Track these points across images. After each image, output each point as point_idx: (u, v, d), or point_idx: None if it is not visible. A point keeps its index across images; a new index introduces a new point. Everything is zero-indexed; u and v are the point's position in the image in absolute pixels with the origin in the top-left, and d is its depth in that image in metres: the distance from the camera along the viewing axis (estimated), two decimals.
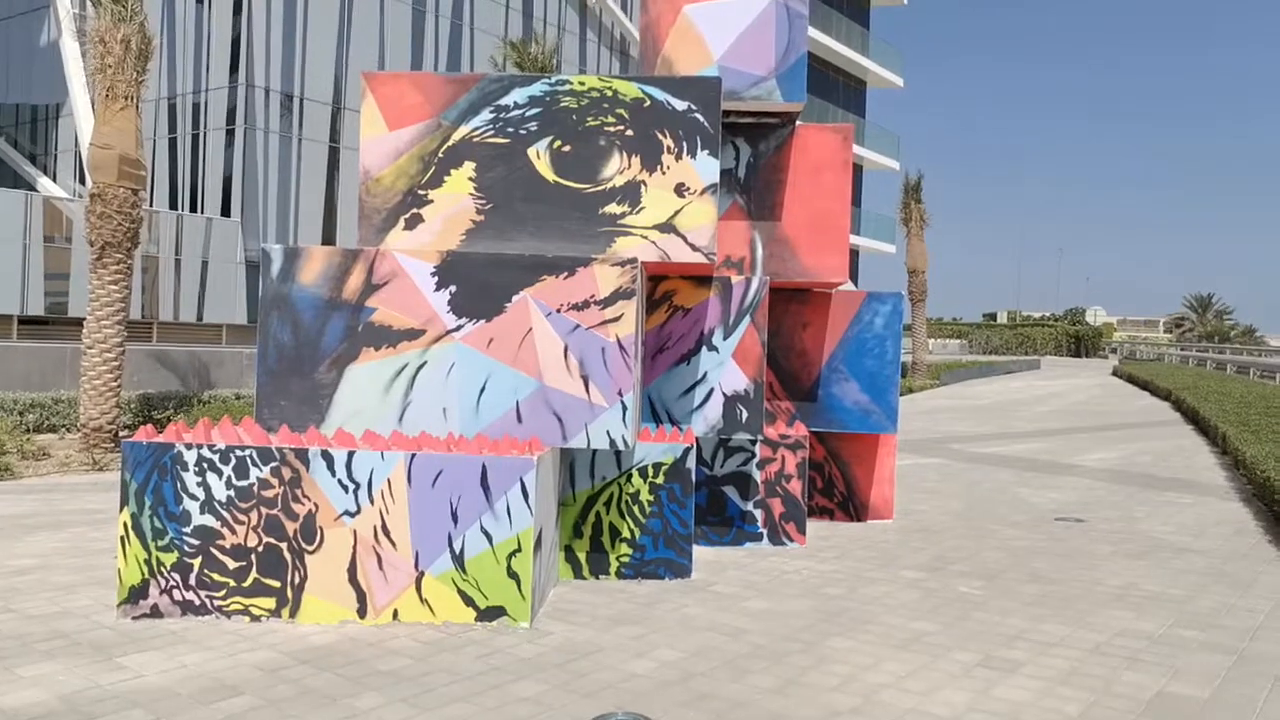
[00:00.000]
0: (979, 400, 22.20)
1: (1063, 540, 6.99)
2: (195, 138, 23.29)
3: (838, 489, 7.59)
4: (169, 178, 23.66)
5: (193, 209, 22.93)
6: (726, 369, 6.27)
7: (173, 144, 23.70)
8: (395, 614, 4.68)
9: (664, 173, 5.74)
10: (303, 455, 4.74)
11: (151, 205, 22.20)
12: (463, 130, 5.80)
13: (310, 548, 4.72)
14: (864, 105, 46.19)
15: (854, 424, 7.29)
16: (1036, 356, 51.27)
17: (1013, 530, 7.31)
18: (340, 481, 4.72)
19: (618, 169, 5.75)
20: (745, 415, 6.26)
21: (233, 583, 4.71)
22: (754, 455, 6.62)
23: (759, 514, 6.62)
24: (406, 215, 5.80)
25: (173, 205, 23.26)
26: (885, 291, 7.36)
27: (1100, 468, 11.02)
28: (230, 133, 22.63)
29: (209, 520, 4.74)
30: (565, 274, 5.26)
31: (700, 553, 6.19)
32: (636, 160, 5.75)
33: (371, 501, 4.72)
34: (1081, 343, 64.48)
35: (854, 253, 42.97)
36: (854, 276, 41.77)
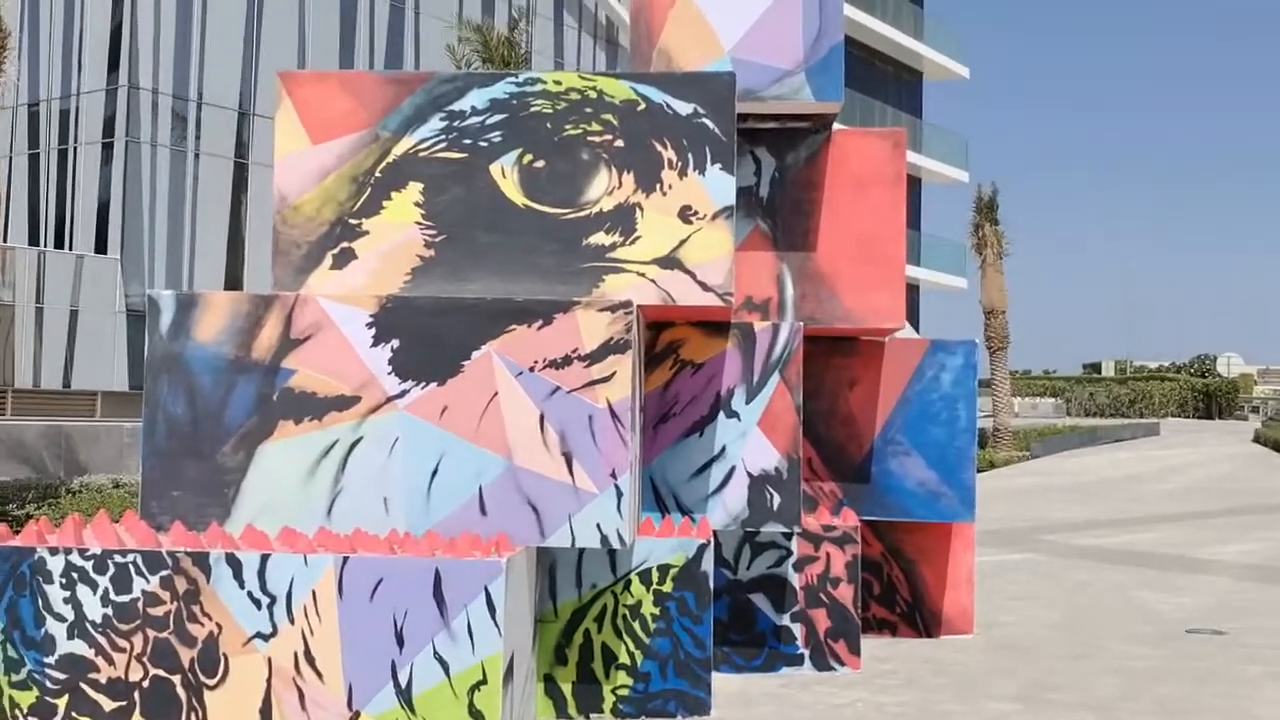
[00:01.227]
0: (1081, 476, 22.17)
1: (1197, 659, 6.96)
2: (63, 153, 23.61)
3: (900, 596, 7.57)
4: (29, 204, 23.92)
5: (59, 244, 23.15)
6: (751, 441, 6.30)
7: (34, 161, 24.01)
8: None
9: (665, 193, 5.83)
10: (202, 561, 4.75)
11: (6, 240, 22.42)
12: (406, 143, 5.90)
13: (211, 682, 4.70)
14: (920, 102, 46.86)
15: (919, 510, 7.29)
16: (1155, 419, 51.34)
17: (1131, 646, 7.28)
18: (250, 594, 4.72)
19: (605, 189, 5.84)
20: (777, 501, 6.27)
21: None
22: (790, 553, 6.61)
23: (798, 630, 6.60)
24: (335, 251, 5.88)
25: (33, 240, 23.48)
26: (955, 339, 7.41)
27: (1244, 563, 10.99)
28: (108, 147, 22.95)
29: (79, 647, 4.72)
30: (540, 322, 5.32)
31: (722, 681, 6.17)
32: (629, 178, 5.84)
33: (291, 620, 4.71)
34: (1213, 400, 64.57)
35: (913, 289, 43.25)
36: (913, 320, 41.96)
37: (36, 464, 15.73)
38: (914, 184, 43.71)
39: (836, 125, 7.24)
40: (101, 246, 22.74)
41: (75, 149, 23.45)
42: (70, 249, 22.85)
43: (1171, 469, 24.68)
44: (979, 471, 18.89)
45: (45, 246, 23.00)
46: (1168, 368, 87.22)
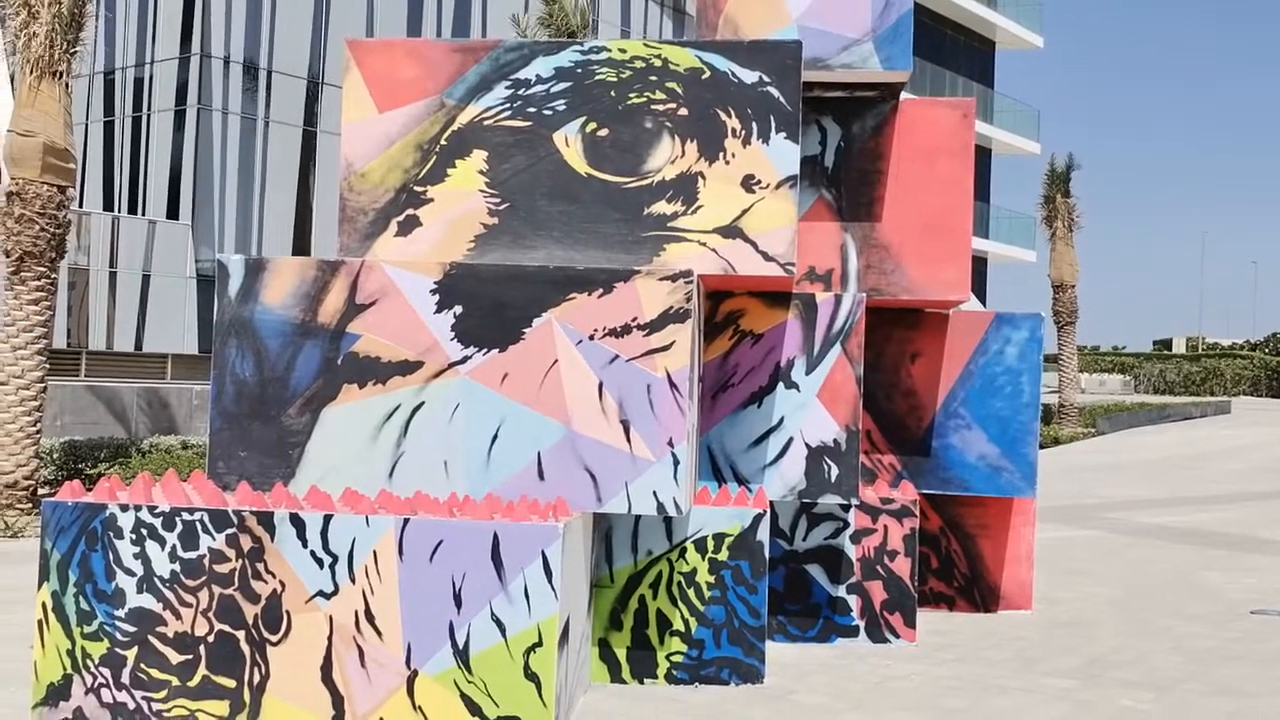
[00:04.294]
0: (1148, 454, 21.84)
1: (1262, 641, 6.86)
2: (137, 121, 24.00)
3: (958, 570, 7.53)
4: (104, 171, 24.38)
5: (133, 210, 23.58)
6: (810, 413, 6.28)
7: (109, 129, 24.45)
8: None
9: (728, 162, 5.81)
10: (266, 520, 4.85)
11: (81, 205, 22.89)
12: (471, 111, 5.93)
13: (274, 638, 4.80)
14: (992, 72, 46.04)
15: (979, 485, 7.24)
16: (1226, 397, 50.33)
17: (1193, 626, 7.19)
18: (313, 554, 4.81)
19: (668, 158, 5.83)
20: (835, 473, 6.26)
21: (176, 681, 4.81)
22: (847, 525, 6.60)
23: (854, 601, 6.59)
24: (400, 218, 5.94)
25: (108, 205, 23.95)
26: (1021, 313, 7.33)
27: None
28: (180, 114, 23.29)
29: (148, 601, 4.85)
30: (601, 291, 5.34)
31: (776, 651, 6.19)
32: (693, 146, 5.83)
33: (352, 580, 4.79)
34: None
35: (979, 262, 42.70)
36: (979, 292, 41.46)
37: (108, 424, 16.11)
38: (983, 155, 43.06)
39: (905, 95, 7.16)
40: (173, 212, 23.12)
41: (149, 116, 23.83)
42: (143, 214, 23.27)
43: (1241, 448, 24.20)
44: (1043, 448, 18.74)
45: (119, 212, 23.45)
46: (1241, 345, 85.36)
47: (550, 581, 4.71)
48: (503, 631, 4.72)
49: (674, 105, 5.84)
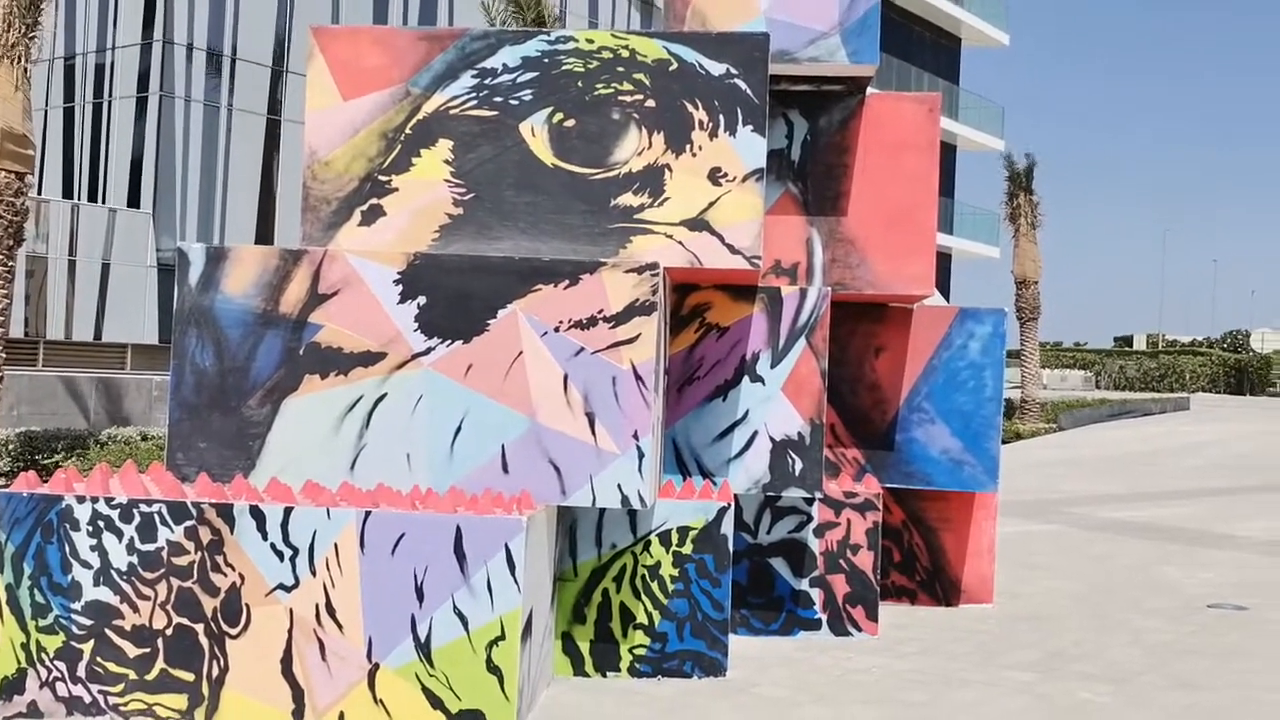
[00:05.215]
0: (1108, 450, 22.05)
1: (1218, 635, 6.94)
2: (98, 108, 23.70)
3: (920, 563, 7.57)
4: (63, 158, 24.06)
5: (92, 198, 23.29)
6: (775, 406, 6.29)
7: (69, 115, 24.12)
8: (341, 717, 4.71)
9: (694, 154, 5.80)
10: (226, 512, 4.80)
11: (40, 193, 22.58)
12: (437, 100, 5.89)
13: (233, 631, 4.76)
14: (957, 68, 46.33)
15: (942, 479, 7.28)
16: (1185, 394, 50.98)
17: (1151, 620, 7.26)
18: (273, 546, 4.77)
19: (635, 149, 5.81)
20: (799, 466, 6.27)
21: (133, 675, 4.76)
22: (811, 518, 6.62)
23: (817, 594, 6.61)
24: (364, 207, 5.89)
25: (67, 193, 23.64)
26: (984, 308, 7.37)
27: (1268, 539, 10.91)
28: (142, 101, 23.02)
29: (105, 594, 4.79)
30: (566, 282, 5.31)
31: (739, 644, 6.20)
32: (659, 138, 5.82)
33: (313, 572, 4.75)
34: (1244, 375, 63.97)
35: (943, 257, 42.98)
36: (943, 288, 41.72)
37: (65, 415, 15.91)
38: (948, 151, 43.31)
39: (871, 90, 7.18)
40: (134, 201, 22.86)
41: (110, 103, 23.54)
42: (103, 203, 23.00)
43: (1199, 444, 24.50)
44: (1004, 442, 18.88)
45: (78, 200, 23.16)
46: (1200, 342, 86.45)
47: (513, 574, 4.69)
48: (465, 625, 4.69)
49: (641, 96, 5.82)
